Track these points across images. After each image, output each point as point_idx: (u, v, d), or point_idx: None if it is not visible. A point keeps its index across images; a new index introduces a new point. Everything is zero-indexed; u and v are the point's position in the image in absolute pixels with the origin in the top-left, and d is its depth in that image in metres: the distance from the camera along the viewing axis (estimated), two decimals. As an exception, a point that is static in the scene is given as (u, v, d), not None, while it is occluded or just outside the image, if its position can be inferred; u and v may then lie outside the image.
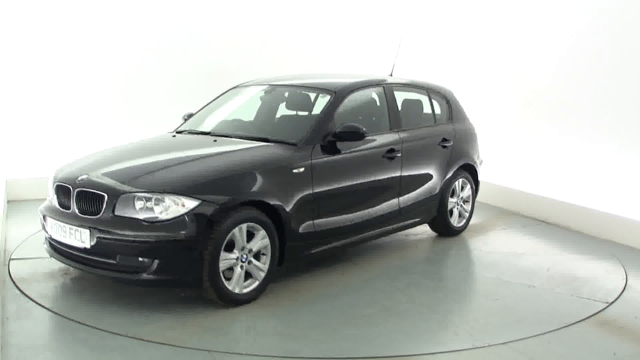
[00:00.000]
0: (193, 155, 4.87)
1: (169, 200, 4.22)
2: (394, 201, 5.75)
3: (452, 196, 6.42)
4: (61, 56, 7.92)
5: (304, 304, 4.64)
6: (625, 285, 5.29)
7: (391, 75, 6.70)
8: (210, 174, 4.51)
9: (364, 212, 5.46)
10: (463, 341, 4.09)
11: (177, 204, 4.21)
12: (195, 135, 5.60)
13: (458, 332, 4.24)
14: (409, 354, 3.88)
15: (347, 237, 5.36)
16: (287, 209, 4.70)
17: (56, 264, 5.22)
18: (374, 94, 6.07)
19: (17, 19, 7.67)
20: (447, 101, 6.66)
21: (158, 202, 4.22)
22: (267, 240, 4.56)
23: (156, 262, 4.16)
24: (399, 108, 6.05)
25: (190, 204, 4.22)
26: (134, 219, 4.22)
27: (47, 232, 4.80)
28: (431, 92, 6.56)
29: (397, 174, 5.73)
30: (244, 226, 4.41)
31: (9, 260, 5.33)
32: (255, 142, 5.14)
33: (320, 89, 5.77)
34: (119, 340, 3.92)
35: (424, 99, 6.51)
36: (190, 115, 6.15)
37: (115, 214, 4.28)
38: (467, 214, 6.69)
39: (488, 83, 8.71)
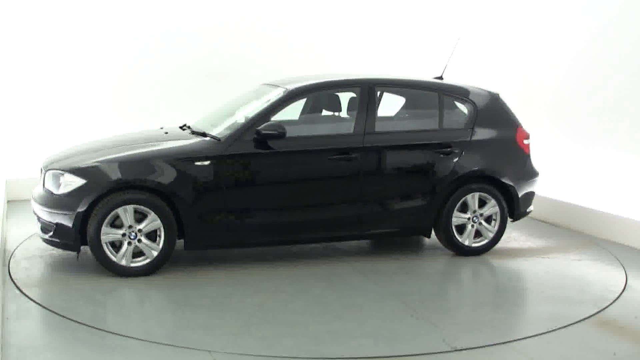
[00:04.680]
0: (129, 145, 5.38)
1: (68, 178, 5.02)
2: (350, 206, 5.50)
3: (464, 211, 5.79)
4: (61, 57, 7.91)
5: (170, 286, 4.89)
6: (625, 285, 5.28)
7: (441, 77, 6.34)
8: (108, 160, 5.08)
9: (298, 213, 5.40)
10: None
11: (71, 182, 4.99)
12: (174, 129, 5.88)
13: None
14: (386, 355, 3.88)
15: (273, 236, 5.41)
16: (184, 198, 5.05)
17: (56, 264, 5.25)
18: (346, 94, 5.96)
19: (17, 20, 7.66)
20: (475, 106, 5.96)
21: (62, 178, 5.03)
22: (158, 223, 4.98)
23: (54, 226, 4.99)
24: (378, 109, 5.71)
25: (79, 182, 4.96)
26: (50, 191, 5.11)
27: None
28: (449, 94, 5.97)
29: (355, 178, 5.47)
30: (130, 207, 4.94)
31: (9, 260, 5.34)
32: (196, 136, 5.45)
33: (280, 88, 5.70)
34: (119, 340, 3.92)
35: (435, 102, 5.95)
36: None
37: (45, 186, 5.18)
38: (490, 234, 5.88)
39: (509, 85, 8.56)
